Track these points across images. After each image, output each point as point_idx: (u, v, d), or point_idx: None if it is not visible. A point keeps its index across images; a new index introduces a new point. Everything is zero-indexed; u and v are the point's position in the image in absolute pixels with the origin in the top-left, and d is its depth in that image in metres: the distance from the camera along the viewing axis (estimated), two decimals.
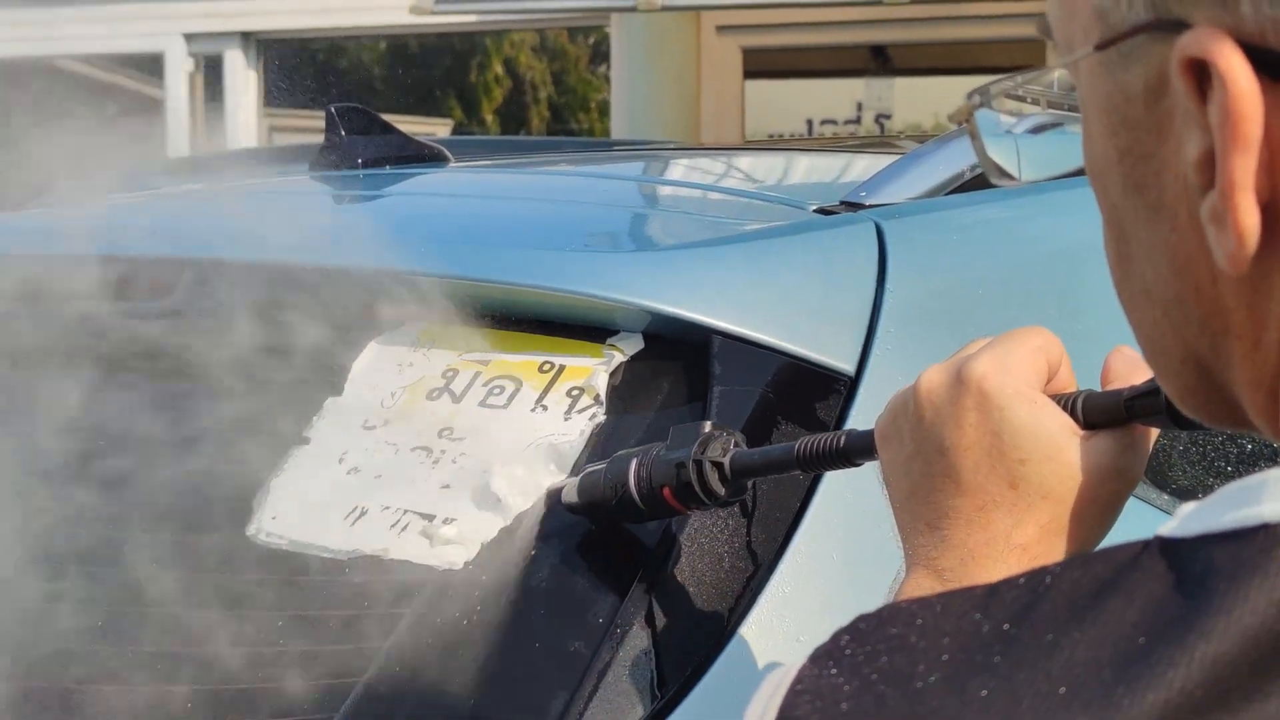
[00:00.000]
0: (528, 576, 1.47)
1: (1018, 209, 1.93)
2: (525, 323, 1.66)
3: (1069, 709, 0.71)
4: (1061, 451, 1.08)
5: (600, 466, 1.45)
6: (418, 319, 1.71)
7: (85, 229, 2.12)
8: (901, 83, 9.51)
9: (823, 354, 1.58)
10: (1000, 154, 1.00)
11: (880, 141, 3.78)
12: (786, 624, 1.43)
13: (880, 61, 9.41)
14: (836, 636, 0.82)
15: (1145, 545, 0.76)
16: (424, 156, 2.50)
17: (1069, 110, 0.91)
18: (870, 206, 1.83)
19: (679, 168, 2.73)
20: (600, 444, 1.54)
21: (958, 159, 1.94)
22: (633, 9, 8.03)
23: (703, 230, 1.93)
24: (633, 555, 1.45)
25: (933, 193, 1.90)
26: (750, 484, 1.46)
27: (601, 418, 1.57)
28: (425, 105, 19.59)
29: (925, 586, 1.09)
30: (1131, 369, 1.13)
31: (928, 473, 1.12)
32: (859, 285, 1.65)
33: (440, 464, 1.57)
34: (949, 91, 9.37)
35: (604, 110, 19.68)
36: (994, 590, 0.79)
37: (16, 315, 1.92)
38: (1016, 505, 1.08)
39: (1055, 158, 1.01)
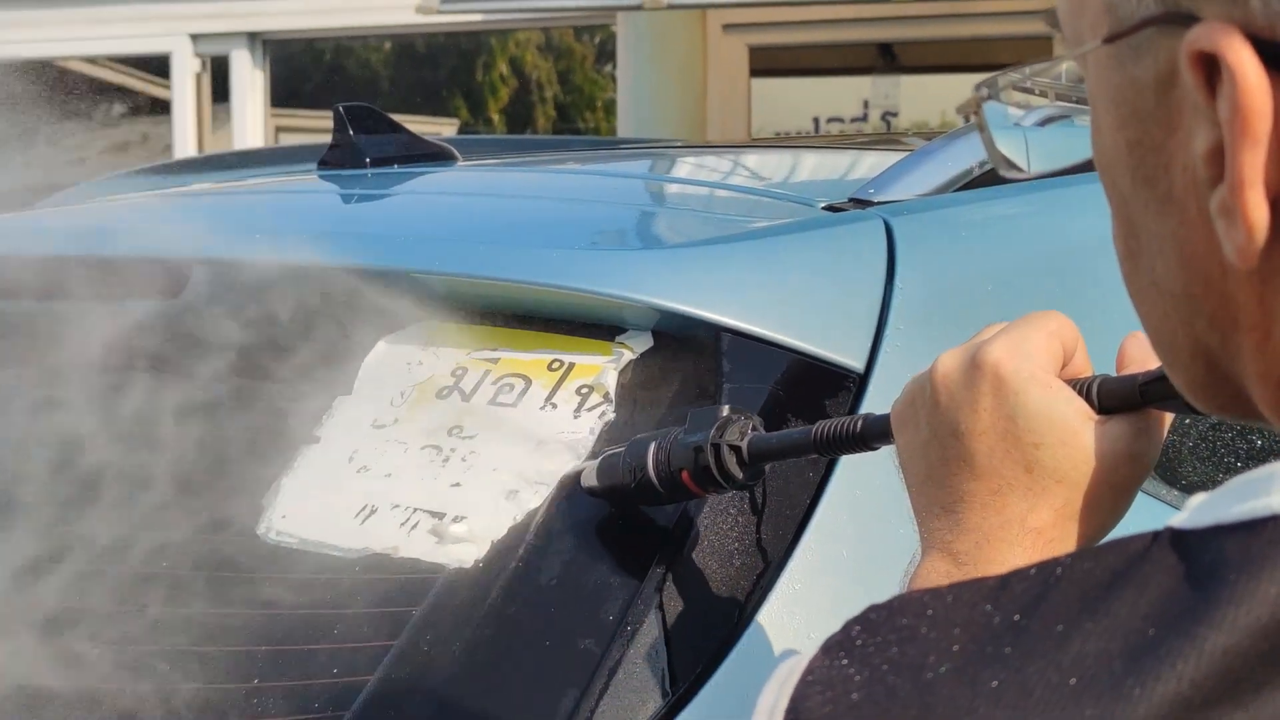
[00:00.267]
0: (538, 574, 1.47)
1: (1026, 205, 1.93)
2: (534, 321, 1.66)
3: (1079, 700, 0.71)
4: (1076, 436, 1.08)
5: (619, 450, 1.45)
6: (427, 318, 1.71)
7: (93, 228, 2.13)
8: (908, 80, 9.50)
9: (832, 351, 1.58)
10: (1008, 146, 1.00)
11: (887, 139, 3.78)
12: (797, 621, 1.43)
13: (886, 59, 9.40)
14: (848, 627, 0.83)
15: (1156, 536, 0.76)
16: (432, 155, 2.50)
17: (1077, 102, 0.91)
18: (879, 204, 1.83)
19: (687, 166, 2.73)
20: (610, 441, 1.54)
21: (966, 155, 1.94)
22: (638, 7, 8.03)
23: (712, 228, 1.93)
24: (643, 553, 1.45)
25: (941, 189, 1.90)
26: (761, 479, 1.47)
27: (611, 415, 1.57)
28: (431, 105, 19.58)
29: (940, 570, 1.10)
30: (1146, 354, 1.13)
31: (943, 457, 1.12)
32: (868, 282, 1.65)
33: (450, 462, 1.57)
34: (955, 89, 9.35)
35: (610, 109, 19.66)
36: (1005, 581, 0.79)
37: (26, 315, 1.92)
38: (1031, 489, 1.08)
39: (1063, 150, 1.01)
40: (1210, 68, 0.73)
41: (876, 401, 1.55)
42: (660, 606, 1.41)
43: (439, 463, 1.57)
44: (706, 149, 3.33)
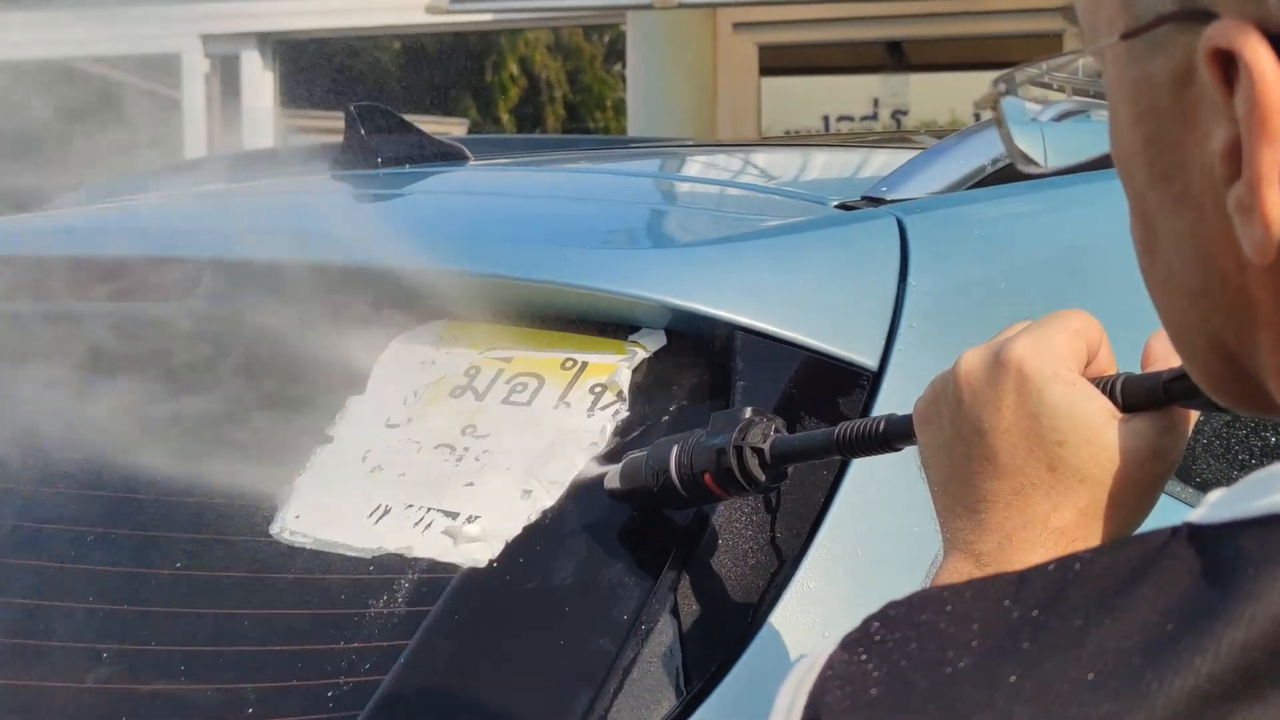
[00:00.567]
0: (552, 574, 1.47)
1: (1039, 202, 1.93)
2: (548, 320, 1.66)
3: (1098, 696, 0.71)
4: (1100, 434, 1.08)
5: (642, 453, 1.45)
6: (440, 317, 1.71)
7: (105, 229, 2.13)
8: (917, 78, 9.49)
9: (845, 349, 1.58)
10: (1026, 142, 1.00)
11: (898, 137, 3.78)
12: (811, 620, 1.43)
13: (896, 57, 9.39)
14: (867, 623, 0.83)
15: (1174, 532, 0.76)
16: (444, 155, 2.50)
17: (1094, 97, 0.91)
18: (891, 201, 1.83)
19: (699, 164, 2.73)
20: (624, 440, 1.54)
21: (978, 153, 1.94)
22: (649, 6, 8.03)
23: (725, 226, 1.93)
24: (657, 552, 1.45)
25: (954, 187, 1.90)
26: (783, 482, 1.47)
27: (625, 414, 1.57)
28: (441, 105, 19.59)
29: (963, 570, 1.10)
30: (1170, 352, 1.13)
31: (966, 455, 1.12)
32: (881, 280, 1.65)
33: (463, 462, 1.57)
34: (965, 87, 9.35)
35: (619, 108, 19.67)
36: (1024, 577, 0.79)
37: (39, 315, 1.92)
38: (1055, 488, 1.08)
39: (1080, 145, 1.01)
40: (1227, 65, 0.73)
41: (890, 399, 1.54)
42: (674, 606, 1.41)
43: (452, 462, 1.57)
44: (718, 147, 3.33)
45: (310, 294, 1.71)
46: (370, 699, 1.40)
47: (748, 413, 1.39)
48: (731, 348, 1.56)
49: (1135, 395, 1.10)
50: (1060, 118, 1.09)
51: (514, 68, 20.96)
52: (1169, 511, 1.64)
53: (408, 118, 2.55)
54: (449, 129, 14.56)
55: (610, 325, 1.63)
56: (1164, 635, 0.71)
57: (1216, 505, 0.76)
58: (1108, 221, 1.86)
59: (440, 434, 1.60)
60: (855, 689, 0.79)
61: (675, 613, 1.40)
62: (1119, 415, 1.09)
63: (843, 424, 1.34)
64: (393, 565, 1.51)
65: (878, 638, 0.81)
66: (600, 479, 1.49)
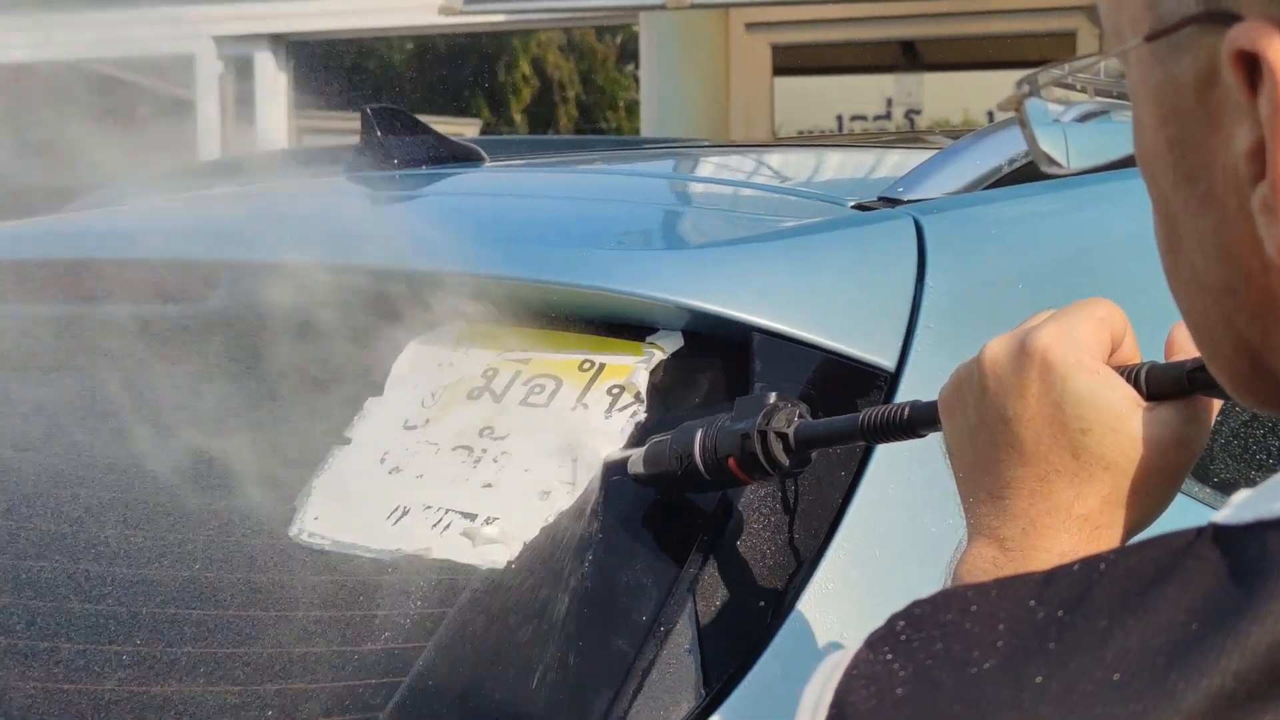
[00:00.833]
0: (570, 575, 1.47)
1: (1056, 203, 1.93)
2: (565, 321, 1.66)
3: (1123, 696, 0.71)
4: (1124, 422, 1.08)
5: (666, 437, 1.46)
6: (458, 318, 1.71)
7: (124, 231, 2.13)
8: (931, 78, 9.50)
9: (863, 350, 1.58)
10: (1049, 142, 1.00)
11: (912, 137, 3.78)
12: (829, 621, 1.43)
13: (909, 57, 9.40)
14: (892, 622, 0.83)
15: (1199, 532, 0.76)
16: (459, 156, 2.50)
17: (1117, 98, 0.91)
18: (908, 202, 1.83)
19: (715, 165, 2.73)
20: (640, 441, 1.54)
21: (995, 153, 1.94)
22: (661, 7, 8.04)
23: (742, 227, 1.93)
24: (676, 553, 1.45)
25: (970, 187, 1.90)
26: (793, 479, 1.47)
27: (642, 416, 1.57)
28: (453, 105, 19.61)
29: (987, 556, 1.10)
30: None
31: (991, 443, 1.12)
32: (898, 281, 1.65)
33: (482, 463, 1.57)
34: (978, 86, 9.36)
35: (631, 109, 19.68)
36: (1049, 577, 0.79)
37: (58, 316, 1.93)
38: (1078, 476, 1.08)
39: (1103, 146, 1.01)
40: (1251, 66, 0.73)
41: (907, 398, 1.54)
42: (693, 607, 1.41)
43: (470, 464, 1.57)
44: (734, 148, 3.33)
45: (327, 296, 1.71)
46: (389, 700, 1.41)
47: (772, 397, 1.40)
48: (749, 349, 1.56)
49: (1159, 384, 1.10)
50: (1082, 119, 1.09)
51: (526, 68, 20.99)
52: (1187, 511, 1.63)
53: (421, 119, 2.55)
54: (462, 130, 14.57)
55: (628, 327, 1.63)
56: (1189, 635, 0.71)
57: (1242, 506, 0.76)
58: (1124, 221, 1.86)
59: (458, 435, 1.61)
60: (881, 688, 0.79)
61: (694, 614, 1.40)
62: (1143, 404, 1.10)
63: (867, 410, 1.34)
64: (411, 566, 1.51)
65: (903, 637, 0.81)
66: (620, 472, 1.50)
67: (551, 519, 1.50)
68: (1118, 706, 0.71)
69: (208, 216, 2.26)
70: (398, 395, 1.68)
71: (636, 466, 1.48)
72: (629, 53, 19.95)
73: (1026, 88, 0.97)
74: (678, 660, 1.38)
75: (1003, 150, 1.94)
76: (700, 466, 1.41)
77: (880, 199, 1.86)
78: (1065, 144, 1.01)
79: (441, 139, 2.51)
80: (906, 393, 1.55)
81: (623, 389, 1.59)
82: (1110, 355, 1.13)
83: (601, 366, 1.61)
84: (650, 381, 1.59)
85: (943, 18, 8.83)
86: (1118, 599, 0.75)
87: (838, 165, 2.70)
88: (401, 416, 1.65)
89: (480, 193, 2.36)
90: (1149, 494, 1.10)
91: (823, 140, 5.75)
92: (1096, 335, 1.12)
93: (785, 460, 1.38)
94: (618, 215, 2.03)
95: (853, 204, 1.88)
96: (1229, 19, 0.74)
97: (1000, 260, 1.78)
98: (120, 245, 1.99)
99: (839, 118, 9.41)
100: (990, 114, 8.91)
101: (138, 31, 9.98)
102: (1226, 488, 1.81)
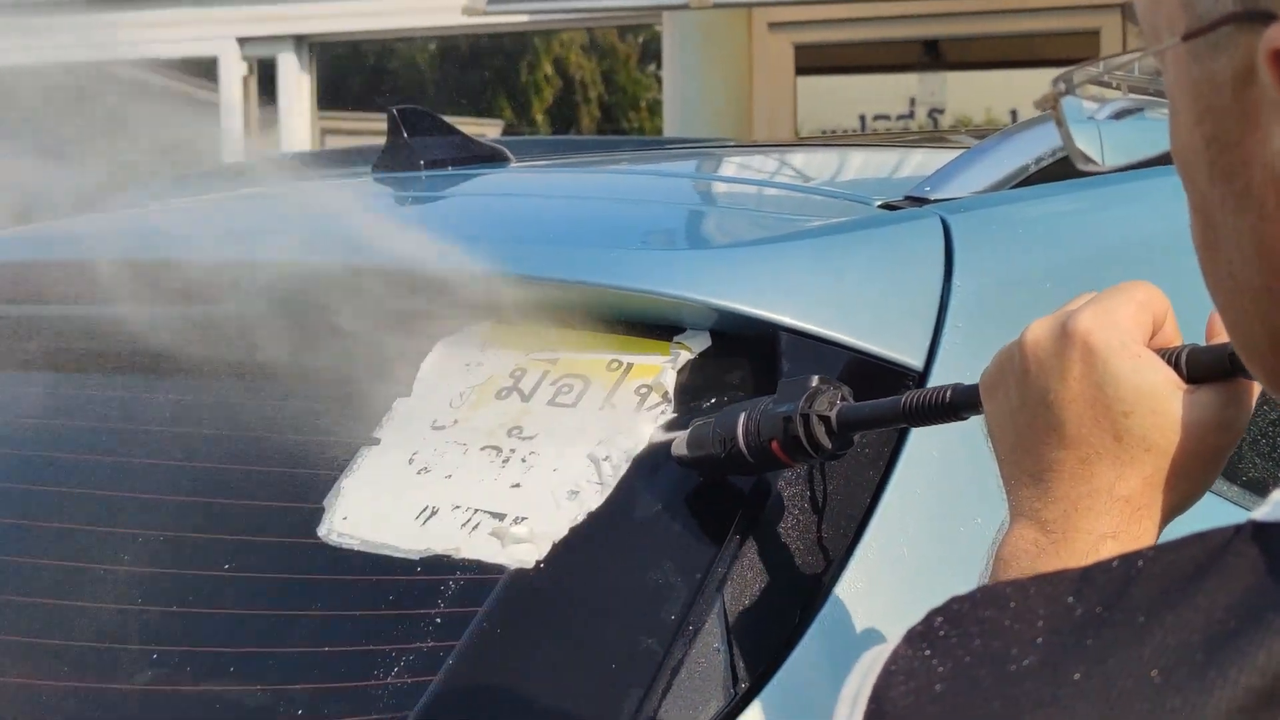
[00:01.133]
0: (599, 574, 1.47)
1: (1084, 201, 1.93)
2: (593, 321, 1.66)
3: (1161, 692, 0.71)
4: (1165, 404, 1.09)
5: (709, 420, 1.46)
6: (485, 318, 1.71)
7: (149, 232, 2.13)
8: (954, 77, 9.48)
9: (891, 349, 1.58)
10: (1085, 140, 1.00)
11: (936, 136, 3.77)
12: (858, 620, 1.43)
13: (932, 56, 9.37)
14: (930, 618, 0.83)
15: (1238, 530, 0.76)
16: (486, 157, 2.50)
17: (1153, 95, 0.91)
18: (935, 201, 1.83)
19: (741, 165, 2.73)
20: (668, 441, 1.54)
21: (1021, 152, 1.94)
22: (684, 7, 8.03)
23: (769, 227, 1.93)
24: (704, 552, 1.45)
25: (997, 186, 1.90)
26: (823, 477, 1.47)
27: (670, 415, 1.57)
28: (476, 106, 19.64)
29: (1028, 538, 1.11)
30: None
31: (1032, 426, 1.12)
32: (926, 280, 1.65)
33: (510, 463, 1.57)
34: (1001, 85, 9.34)
35: (654, 109, 19.68)
36: (1087, 573, 0.79)
37: (81, 318, 1.93)
38: (1120, 458, 1.09)
39: (1137, 143, 1.01)
40: None
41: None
42: (722, 606, 1.41)
43: (499, 463, 1.58)
44: (759, 148, 3.33)
45: (356, 296, 1.71)
46: (419, 699, 1.41)
47: (814, 380, 1.40)
48: (776, 348, 1.56)
49: (1200, 366, 1.11)
50: (1117, 116, 1.09)
51: (549, 68, 21.01)
52: (1215, 510, 1.63)
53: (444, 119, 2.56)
54: (484, 130, 14.59)
55: (655, 326, 1.63)
56: (1227, 631, 0.71)
57: None
58: (1151, 219, 1.86)
59: (487, 435, 1.61)
60: (920, 684, 0.79)
61: (723, 613, 1.40)
62: (1184, 386, 1.10)
63: (909, 392, 1.35)
64: (440, 566, 1.51)
65: (942, 633, 0.81)
66: (656, 461, 1.50)
67: (580, 519, 1.50)
68: (1155, 702, 0.71)
69: (232, 218, 2.26)
70: (426, 395, 1.68)
71: (680, 449, 1.49)
72: (651, 52, 19.96)
73: (1062, 85, 0.97)
74: (707, 659, 1.38)
75: (1029, 149, 1.94)
76: (743, 449, 1.42)
77: (907, 198, 1.86)
78: (1100, 141, 1.01)
79: (467, 139, 2.52)
80: None
81: (650, 389, 1.59)
82: (1151, 338, 1.13)
83: (629, 366, 1.61)
84: (678, 381, 1.59)
85: (966, 16, 8.81)
86: (1156, 596, 0.75)
87: (863, 165, 2.70)
88: (430, 416, 1.65)
89: (507, 193, 2.36)
90: (1190, 476, 1.10)
91: (847, 140, 5.74)
92: (1137, 318, 1.12)
93: (828, 443, 1.38)
94: (645, 215, 2.03)
95: (879, 203, 1.88)
96: (1266, 18, 0.74)
97: (1028, 259, 1.78)
98: (146, 244, 2.00)
99: (862, 117, 9.40)
100: (1014, 113, 8.90)
101: (160, 33, 10.00)
102: (1255, 486, 1.81)
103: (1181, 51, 0.80)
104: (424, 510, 1.56)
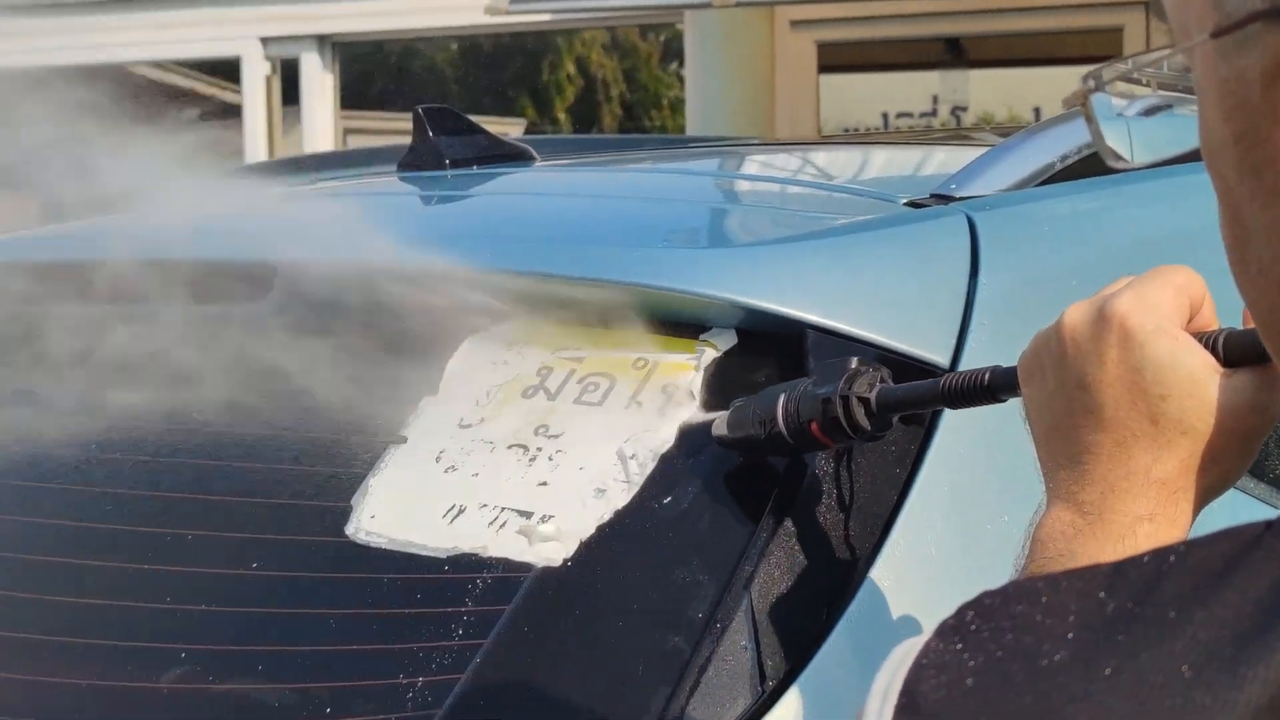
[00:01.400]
0: (626, 572, 1.47)
1: (1109, 199, 1.92)
2: (618, 319, 1.66)
3: (1192, 688, 0.71)
4: (1202, 388, 1.09)
5: (749, 401, 1.47)
6: (512, 317, 1.71)
7: (169, 233, 2.14)
8: (976, 74, 9.46)
9: (917, 347, 1.58)
10: (1114, 137, 1.00)
11: (960, 134, 3.77)
12: (884, 619, 1.43)
13: (955, 53, 9.36)
14: (962, 611, 0.83)
15: (1269, 525, 0.76)
16: (510, 156, 2.50)
17: (1183, 91, 0.91)
18: (961, 199, 1.83)
19: (766, 163, 2.73)
20: (695, 440, 1.55)
21: (1047, 150, 1.94)
22: (706, 5, 8.03)
23: (795, 225, 1.93)
24: (731, 550, 1.45)
25: (1023, 184, 1.89)
26: (849, 475, 1.47)
27: (697, 413, 1.57)
28: (498, 105, 19.65)
29: (1065, 520, 1.11)
30: None
31: (1069, 409, 1.13)
32: (952, 278, 1.65)
33: (537, 461, 1.58)
34: (1024, 82, 9.33)
35: (675, 107, 19.68)
36: (1119, 568, 0.79)
37: (105, 319, 1.94)
38: (1157, 441, 1.09)
39: (1167, 140, 1.01)
40: None
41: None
42: (749, 604, 1.41)
43: (526, 462, 1.58)
44: (782, 146, 3.33)
45: (382, 296, 1.72)
46: (447, 697, 1.41)
47: (854, 362, 1.41)
48: (803, 346, 1.56)
49: (1237, 350, 1.11)
50: (1146, 113, 1.09)
51: (571, 67, 21.02)
52: (1241, 507, 1.63)
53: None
54: (507, 129, 14.61)
55: (681, 325, 1.63)
56: (1257, 627, 0.71)
57: None
58: (1178, 216, 1.86)
59: (513, 434, 1.61)
60: (951, 678, 0.79)
61: (750, 611, 1.41)
62: (1220, 370, 1.10)
63: (948, 374, 1.36)
64: (468, 565, 1.51)
65: (973, 627, 0.82)
66: (688, 453, 1.50)
67: (607, 517, 1.50)
68: (1186, 698, 0.71)
69: (256, 217, 2.27)
70: (453, 394, 1.68)
71: (720, 430, 1.50)
72: (673, 51, 19.96)
73: (1092, 82, 0.97)
74: (734, 657, 1.38)
75: (1055, 147, 1.94)
76: (783, 430, 1.43)
77: (933, 196, 1.86)
78: (1130, 138, 1.01)
79: (492, 138, 2.52)
80: None
81: (676, 387, 1.59)
82: (1189, 322, 1.14)
83: (655, 365, 1.61)
84: (704, 379, 1.59)
85: (988, 14, 8.81)
86: (1188, 591, 0.75)
87: (887, 163, 2.70)
88: (457, 415, 1.66)
89: (532, 192, 2.37)
90: (1226, 459, 1.10)
91: (870, 138, 5.74)
92: (1175, 302, 1.12)
93: (867, 424, 1.39)
94: (670, 214, 2.03)
95: (905, 201, 1.88)
96: None
97: (1054, 257, 1.78)
98: (171, 245, 2.00)
99: (884, 115, 9.39)
100: (1036, 110, 8.89)
101: (183, 33, 10.02)
102: None
103: (1210, 49, 0.80)
104: (451, 508, 1.56)
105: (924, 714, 0.80)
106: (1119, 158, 1.01)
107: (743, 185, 2.47)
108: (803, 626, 1.42)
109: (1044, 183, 1.91)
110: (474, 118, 2.58)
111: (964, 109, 9.34)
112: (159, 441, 1.81)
